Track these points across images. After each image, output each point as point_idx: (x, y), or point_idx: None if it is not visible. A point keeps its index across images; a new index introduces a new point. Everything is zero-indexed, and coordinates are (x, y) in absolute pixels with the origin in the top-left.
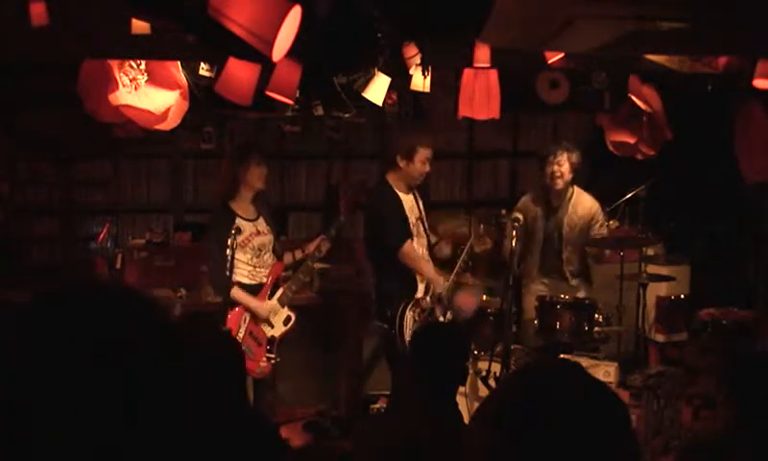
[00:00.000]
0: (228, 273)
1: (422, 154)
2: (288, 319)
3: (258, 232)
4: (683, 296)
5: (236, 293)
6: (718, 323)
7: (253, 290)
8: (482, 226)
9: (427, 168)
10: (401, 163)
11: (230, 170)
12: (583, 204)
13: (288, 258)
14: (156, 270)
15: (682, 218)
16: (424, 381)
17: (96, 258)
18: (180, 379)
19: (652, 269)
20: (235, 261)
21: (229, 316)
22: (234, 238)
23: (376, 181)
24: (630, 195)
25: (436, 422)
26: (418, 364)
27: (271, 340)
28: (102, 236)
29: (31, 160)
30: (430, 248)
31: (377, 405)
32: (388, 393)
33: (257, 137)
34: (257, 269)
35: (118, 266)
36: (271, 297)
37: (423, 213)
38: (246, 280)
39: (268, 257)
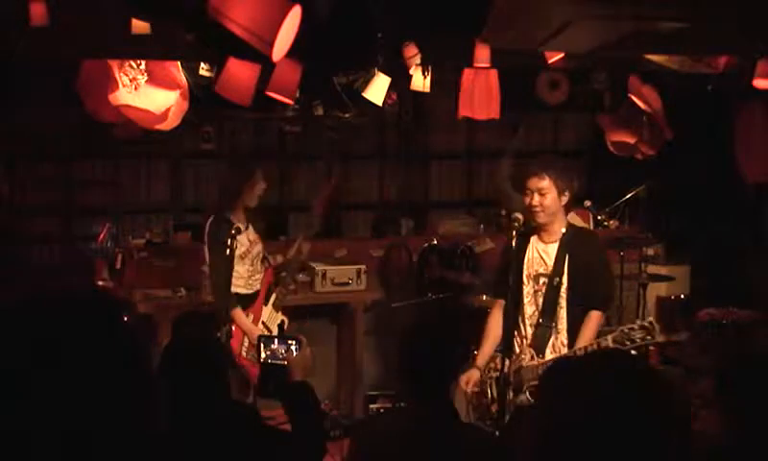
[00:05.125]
0: (227, 287)
1: (524, 184)
2: (282, 323)
3: (253, 241)
4: (683, 296)
5: (236, 315)
6: (718, 323)
7: (250, 299)
8: (482, 226)
9: (533, 201)
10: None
11: (233, 181)
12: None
13: (277, 260)
14: (156, 270)
15: (682, 218)
16: (417, 381)
17: (96, 258)
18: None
19: (652, 269)
20: (234, 273)
21: (233, 334)
22: (233, 250)
23: None
24: (630, 195)
25: (429, 421)
26: (409, 364)
27: None
28: (102, 236)
29: (31, 160)
30: (545, 319)
31: (377, 405)
32: (388, 393)
33: (257, 138)
34: (253, 278)
35: (118, 266)
36: (266, 303)
37: (565, 275)
38: (243, 290)
39: (259, 265)
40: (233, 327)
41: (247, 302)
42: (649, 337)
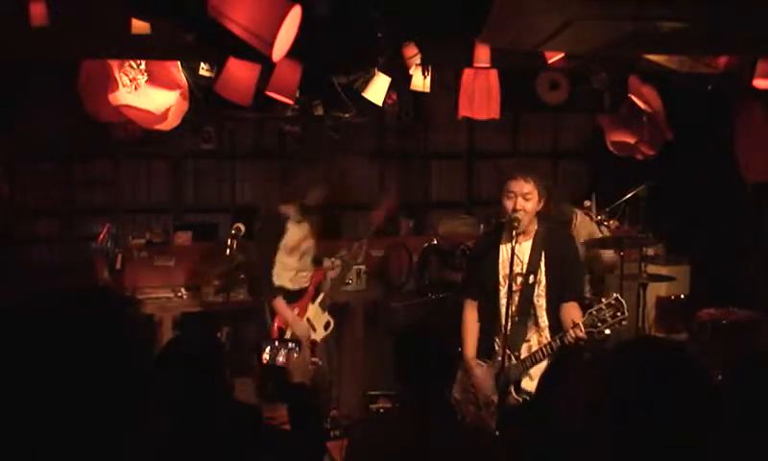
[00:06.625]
0: (270, 277)
1: (507, 186)
2: (328, 324)
3: (305, 237)
4: (683, 296)
5: (278, 304)
6: (718, 323)
7: (297, 295)
8: (482, 226)
9: (516, 204)
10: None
11: (298, 179)
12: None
13: (327, 264)
14: (155, 270)
15: (682, 218)
16: (416, 382)
17: (96, 258)
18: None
19: (652, 269)
20: (281, 264)
21: (275, 324)
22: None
23: None
24: (630, 195)
25: (428, 422)
26: (408, 364)
27: (313, 343)
28: (102, 236)
29: (31, 160)
30: (522, 316)
31: (377, 405)
32: (388, 393)
33: (257, 138)
34: (300, 273)
35: (118, 266)
36: (313, 301)
37: (542, 272)
38: (288, 285)
39: (309, 262)
40: (276, 322)
41: (293, 298)
42: (619, 313)
